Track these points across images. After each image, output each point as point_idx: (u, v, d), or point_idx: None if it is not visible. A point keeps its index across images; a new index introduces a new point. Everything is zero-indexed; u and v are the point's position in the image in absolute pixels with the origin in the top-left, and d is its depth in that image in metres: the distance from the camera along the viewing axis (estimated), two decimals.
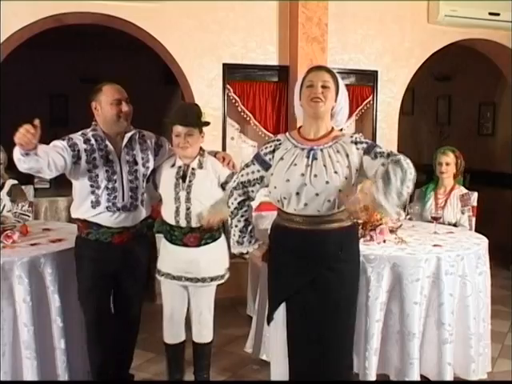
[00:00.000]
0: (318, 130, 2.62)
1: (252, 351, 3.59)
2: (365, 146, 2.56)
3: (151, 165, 3.08)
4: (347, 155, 2.55)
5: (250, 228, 2.79)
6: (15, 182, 4.29)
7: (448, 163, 4.21)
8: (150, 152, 3.08)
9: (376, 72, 5.27)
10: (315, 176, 2.52)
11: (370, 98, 5.27)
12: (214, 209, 3.01)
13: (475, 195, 4.43)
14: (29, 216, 3.98)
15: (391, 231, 3.52)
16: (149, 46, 5.02)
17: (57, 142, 2.88)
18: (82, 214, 2.98)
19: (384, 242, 3.42)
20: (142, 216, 3.08)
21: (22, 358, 2.98)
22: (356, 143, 2.57)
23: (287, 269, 2.65)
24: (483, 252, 3.45)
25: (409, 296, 3.16)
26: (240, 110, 4.97)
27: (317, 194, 2.51)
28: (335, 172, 2.51)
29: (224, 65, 4.90)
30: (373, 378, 3.19)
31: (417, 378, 3.19)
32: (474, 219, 4.39)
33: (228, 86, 4.92)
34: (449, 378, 3.22)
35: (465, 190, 4.25)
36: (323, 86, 2.56)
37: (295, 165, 2.57)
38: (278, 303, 2.67)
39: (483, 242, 3.58)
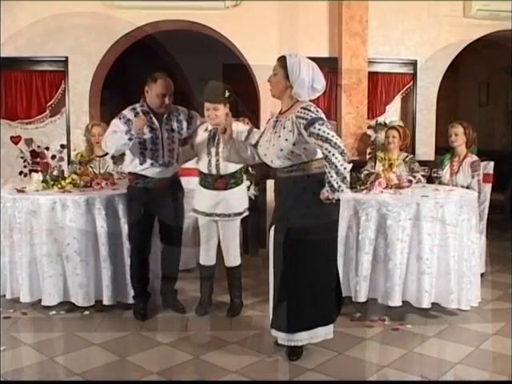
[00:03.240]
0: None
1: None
2: (304, 122, 3.16)
3: (184, 132, 4.07)
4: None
5: None
6: None
7: (456, 134, 4.81)
8: (183, 123, 4.05)
9: (415, 61, 5.95)
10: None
11: (411, 83, 5.96)
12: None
13: (491, 164, 4.98)
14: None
15: (399, 187, 4.27)
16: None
17: (117, 124, 3.84)
18: (133, 168, 3.97)
19: (381, 192, 4.13)
20: (177, 169, 4.10)
21: (101, 268, 4.08)
22: (298, 118, 3.19)
23: None
24: (466, 203, 4.04)
25: (394, 233, 3.85)
26: None
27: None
28: (279, 136, 3.29)
29: None
30: (363, 299, 3.95)
31: (398, 299, 3.89)
32: (490, 185, 4.95)
33: None
34: (426, 303, 3.88)
35: (475, 158, 4.81)
36: (273, 75, 3.33)
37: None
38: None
39: (469, 194, 4.20)
